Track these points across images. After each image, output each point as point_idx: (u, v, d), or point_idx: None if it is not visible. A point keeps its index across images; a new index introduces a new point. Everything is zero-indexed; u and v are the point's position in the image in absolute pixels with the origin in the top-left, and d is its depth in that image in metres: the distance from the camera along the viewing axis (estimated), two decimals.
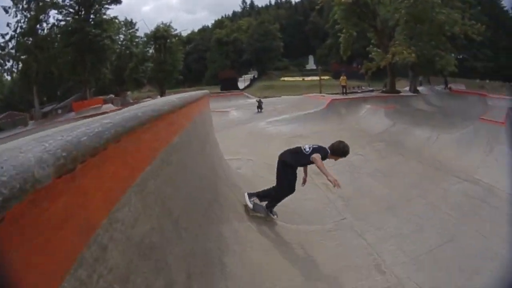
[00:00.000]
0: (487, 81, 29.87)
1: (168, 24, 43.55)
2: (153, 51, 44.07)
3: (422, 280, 4.91)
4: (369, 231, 6.25)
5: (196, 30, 72.90)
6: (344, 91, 25.04)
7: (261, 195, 5.50)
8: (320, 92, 28.28)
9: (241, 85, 53.39)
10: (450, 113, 17.74)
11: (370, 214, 6.89)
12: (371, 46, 24.11)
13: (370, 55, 23.79)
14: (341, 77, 25.67)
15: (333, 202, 7.38)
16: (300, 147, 5.21)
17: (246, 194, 5.59)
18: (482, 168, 8.30)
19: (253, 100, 23.00)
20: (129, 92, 47.24)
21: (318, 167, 4.76)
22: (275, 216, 5.57)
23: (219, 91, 41.60)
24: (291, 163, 5.19)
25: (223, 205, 5.10)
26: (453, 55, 23.70)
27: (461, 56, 26.73)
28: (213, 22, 72.15)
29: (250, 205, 5.41)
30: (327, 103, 15.13)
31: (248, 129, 12.77)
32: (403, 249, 5.68)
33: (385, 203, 7.39)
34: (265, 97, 27.46)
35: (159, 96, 30.40)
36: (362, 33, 25.35)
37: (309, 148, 5.07)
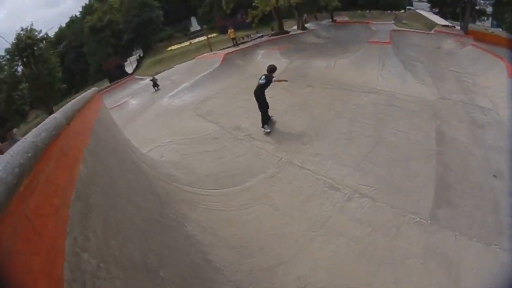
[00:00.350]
0: (368, 11, 34.18)
1: (29, 27, 33.44)
2: (23, 68, 33.84)
3: (370, 181, 5.48)
4: (308, 160, 6.40)
5: (64, 24, 58.61)
6: (235, 43, 24.79)
7: (263, 122, 7.88)
8: (211, 51, 27.29)
9: (129, 69, 46.95)
10: (340, 41, 19.18)
11: (301, 146, 7.06)
12: None
13: (253, 3, 23.87)
14: (229, 31, 25.21)
15: (263, 149, 7.20)
16: (259, 82, 7.73)
17: (262, 128, 7.90)
18: (380, 80, 9.72)
19: (147, 81, 21.25)
20: (15, 130, 35.22)
21: (274, 82, 7.87)
22: (269, 130, 7.83)
23: (109, 84, 35.78)
24: (261, 93, 7.72)
25: (165, 202, 4.19)
26: None
27: None
28: (81, 10, 59.07)
29: (267, 130, 7.81)
30: (221, 59, 14.73)
31: (153, 111, 11.61)
32: (343, 163, 6.11)
33: (310, 131, 7.69)
34: (157, 73, 25.65)
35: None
36: None
37: (263, 78, 7.72)
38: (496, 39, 22.94)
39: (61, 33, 55.00)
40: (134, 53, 52.67)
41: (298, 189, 5.51)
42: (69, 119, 2.21)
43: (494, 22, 30.90)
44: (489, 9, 27.47)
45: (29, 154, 1.31)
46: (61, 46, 50.09)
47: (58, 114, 2.13)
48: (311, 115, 8.48)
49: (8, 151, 1.30)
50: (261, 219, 4.74)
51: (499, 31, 30.16)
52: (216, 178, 6.00)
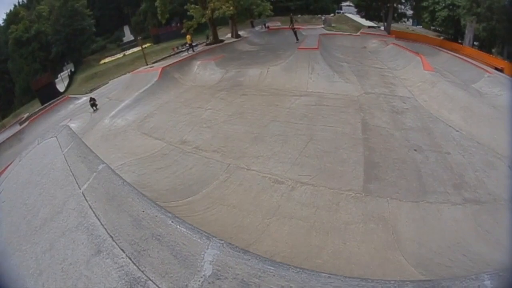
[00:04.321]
0: (299, 15, 37.88)
1: None
2: None
3: (308, 171, 6.84)
4: (252, 162, 7.51)
5: None
6: (192, 47, 25.97)
7: None
8: (146, 63, 27.88)
9: (60, 86, 43.14)
10: (273, 48, 21.05)
11: (245, 151, 8.13)
12: (188, 4, 25.66)
13: (188, 13, 25.45)
14: (187, 36, 26.34)
15: (212, 158, 8.12)
16: None
17: None
18: (310, 83, 11.52)
19: (83, 100, 20.59)
20: None
21: None
22: None
23: (40, 106, 32.81)
24: None
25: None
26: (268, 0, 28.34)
27: None
28: (4, 17, 52.66)
29: None
30: (159, 73, 15.39)
31: (96, 134, 11.68)
32: (283, 161, 7.37)
33: (250, 136, 8.83)
34: (93, 89, 25.15)
35: None
36: None
37: None
38: (415, 36, 28.03)
39: None
40: (64, 68, 49.23)
41: (248, 188, 6.61)
42: None
43: (415, 21, 37.32)
44: (410, 12, 33.39)
45: None
46: None
47: None
48: (249, 122, 9.65)
49: None
50: (223, 217, 5.70)
51: (419, 29, 36.43)
52: (175, 191, 6.73)
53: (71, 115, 17.91)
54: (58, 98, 31.13)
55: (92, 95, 19.28)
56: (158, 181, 7.38)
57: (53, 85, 42.33)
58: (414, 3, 29.95)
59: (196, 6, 25.36)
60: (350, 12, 40.51)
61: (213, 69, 15.72)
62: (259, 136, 8.71)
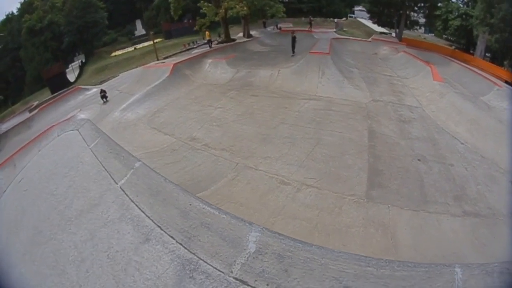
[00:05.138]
0: (312, 18, 38.19)
1: None
2: None
3: (313, 174, 7.11)
4: (260, 163, 7.78)
5: None
6: (210, 44, 26.21)
7: None
8: (157, 58, 28.25)
9: (71, 77, 43.82)
10: (284, 50, 20.93)
11: (253, 151, 8.40)
12: (201, 1, 25.93)
13: (201, 10, 25.70)
14: (206, 33, 26.58)
15: (221, 156, 8.37)
16: None
17: None
18: (319, 88, 11.76)
19: (93, 91, 20.84)
20: None
21: None
22: None
23: (50, 95, 33.36)
24: None
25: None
26: (283, 1, 28.55)
27: (287, 0, 32.46)
28: (19, 6, 53.49)
29: None
30: (170, 69, 15.57)
31: (106, 126, 11.92)
32: (290, 163, 7.63)
33: (259, 137, 9.08)
34: (103, 81, 25.39)
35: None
36: None
37: None
38: (426, 45, 28.04)
39: None
40: (76, 58, 49.77)
41: (255, 187, 6.90)
42: None
43: (427, 29, 37.38)
44: (422, 20, 33.54)
45: None
46: None
47: None
48: (258, 123, 9.91)
49: None
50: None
51: (431, 37, 36.41)
52: (185, 187, 6.87)
53: (81, 105, 18.14)
54: (69, 88, 31.51)
55: (102, 87, 19.51)
56: (167, 176, 7.50)
57: (63, 75, 42.74)
58: (427, 11, 29.94)
59: (209, 4, 25.65)
60: (362, 17, 40.53)
61: (224, 68, 16.01)
62: (268, 137, 8.97)
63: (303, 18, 38.64)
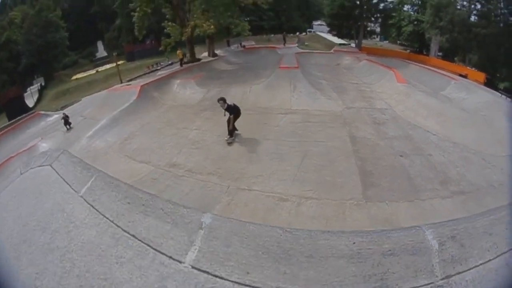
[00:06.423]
0: (272, 35, 39.71)
1: None
2: None
3: (308, 186, 7.34)
4: (253, 182, 7.79)
5: None
6: (181, 63, 26.08)
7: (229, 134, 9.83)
8: (121, 81, 27.70)
9: (29, 101, 40.56)
10: (251, 67, 21.50)
11: (242, 171, 8.37)
12: (166, 21, 26.13)
13: (165, 30, 25.86)
14: (178, 51, 26.47)
15: (209, 181, 8.14)
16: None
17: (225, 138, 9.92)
18: (293, 101, 12.21)
19: (55, 117, 19.19)
20: None
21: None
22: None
23: (8, 121, 30.53)
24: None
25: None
26: (246, 20, 29.29)
27: (248, 18, 33.44)
28: None
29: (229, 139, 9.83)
30: (137, 91, 15.00)
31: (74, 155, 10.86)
32: (282, 178, 7.78)
33: (245, 157, 9.10)
34: (64, 106, 23.99)
35: None
36: (156, 9, 26.98)
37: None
38: (384, 52, 30.09)
39: None
40: (34, 81, 46.60)
41: (254, 208, 6.83)
42: None
43: (382, 37, 40.10)
44: (378, 29, 36.20)
45: None
46: None
47: None
48: (241, 141, 9.91)
49: None
50: None
51: (386, 44, 38.90)
52: None
53: (42, 133, 16.79)
54: (28, 113, 29.43)
55: (67, 112, 18.29)
56: None
57: (21, 100, 39.45)
58: (381, 21, 32.45)
59: (174, 24, 25.85)
60: (321, 31, 42.53)
61: (194, 88, 16.02)
62: (254, 155, 9.04)
63: (264, 36, 39.93)
